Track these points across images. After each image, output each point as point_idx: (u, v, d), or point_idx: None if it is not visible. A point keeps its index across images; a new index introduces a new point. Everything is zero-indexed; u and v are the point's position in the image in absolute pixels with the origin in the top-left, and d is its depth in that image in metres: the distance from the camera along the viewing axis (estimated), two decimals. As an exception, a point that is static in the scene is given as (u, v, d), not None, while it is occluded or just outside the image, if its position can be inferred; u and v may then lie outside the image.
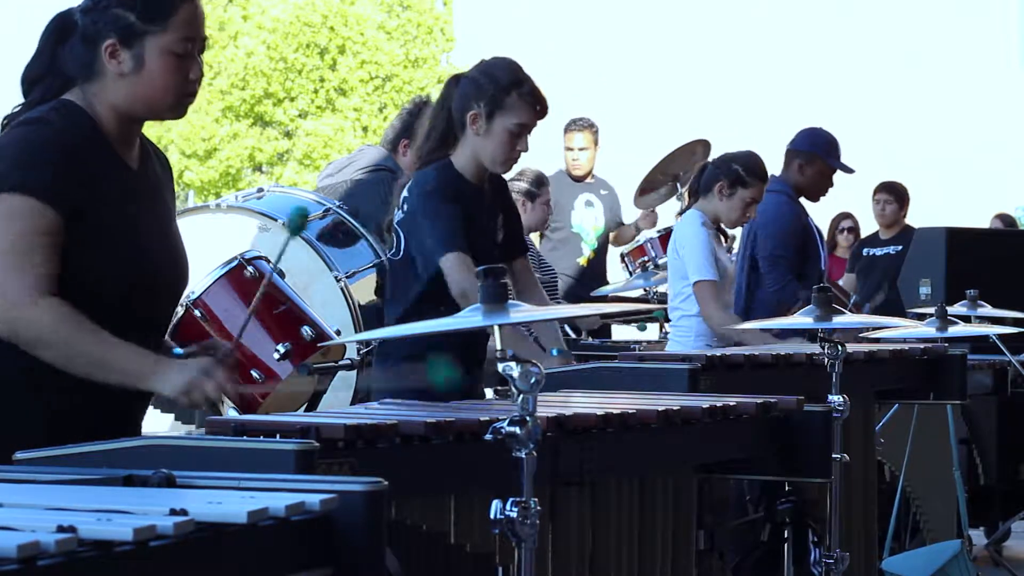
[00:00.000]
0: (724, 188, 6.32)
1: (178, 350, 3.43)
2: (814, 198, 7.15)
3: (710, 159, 7.02)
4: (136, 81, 3.18)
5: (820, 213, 7.96)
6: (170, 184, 3.43)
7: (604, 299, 8.44)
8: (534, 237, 8.35)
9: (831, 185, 7.15)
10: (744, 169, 6.34)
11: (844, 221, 12.62)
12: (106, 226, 3.16)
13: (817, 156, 7.05)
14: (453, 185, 4.63)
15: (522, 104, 4.62)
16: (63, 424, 3.11)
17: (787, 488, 4.59)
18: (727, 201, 6.32)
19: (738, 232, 7.50)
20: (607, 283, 9.06)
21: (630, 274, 8.67)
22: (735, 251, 7.88)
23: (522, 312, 2.83)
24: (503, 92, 4.62)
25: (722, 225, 6.49)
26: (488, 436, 2.72)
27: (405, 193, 4.69)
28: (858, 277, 10.72)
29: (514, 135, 4.62)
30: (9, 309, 3.06)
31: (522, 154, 4.70)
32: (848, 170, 7.12)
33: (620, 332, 9.43)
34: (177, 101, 3.23)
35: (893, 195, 10.75)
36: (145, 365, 3.11)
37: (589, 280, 8.95)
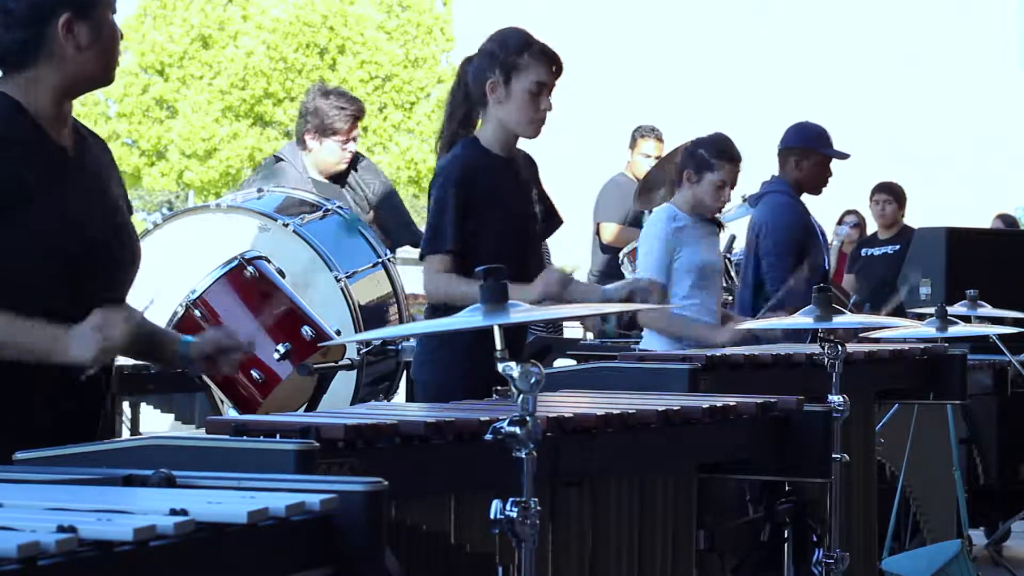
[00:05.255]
0: (691, 175, 6.11)
1: (188, 338, 3.37)
2: (816, 191, 7.10)
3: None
4: (94, 52, 3.15)
5: (824, 212, 7.94)
6: (114, 169, 3.35)
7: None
8: None
9: (830, 175, 7.10)
10: (708, 152, 6.11)
11: (848, 217, 12.59)
12: (41, 209, 3.10)
13: (811, 149, 7.02)
14: (475, 162, 4.68)
15: (536, 62, 4.69)
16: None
17: (787, 488, 4.59)
18: (696, 187, 6.09)
19: (740, 231, 7.48)
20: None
21: (630, 274, 8.68)
22: (737, 250, 7.87)
23: (522, 312, 2.83)
24: (515, 54, 4.69)
25: (702, 213, 6.19)
26: (488, 436, 2.72)
27: (434, 174, 4.77)
28: (857, 278, 10.72)
29: (534, 95, 4.68)
30: None
31: (547, 114, 4.74)
32: (843, 156, 7.07)
33: None
34: (115, 65, 3.23)
35: (892, 195, 10.75)
36: (48, 340, 3.03)
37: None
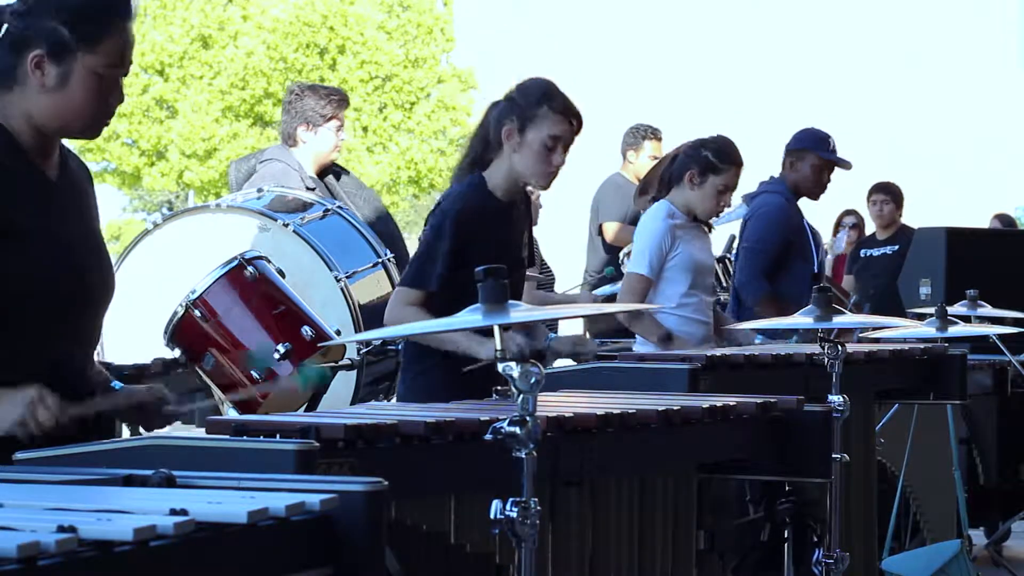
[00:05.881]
0: (695, 176, 5.97)
1: (117, 384, 3.31)
2: (812, 195, 7.07)
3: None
4: (56, 97, 3.09)
5: (823, 212, 7.93)
6: (92, 190, 3.32)
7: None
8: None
9: (828, 180, 7.07)
10: (714, 155, 5.99)
11: (847, 218, 12.58)
12: (29, 240, 3.06)
13: (806, 150, 7.00)
14: (477, 206, 4.70)
15: (554, 117, 4.66)
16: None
17: (787, 488, 4.59)
18: (699, 190, 5.97)
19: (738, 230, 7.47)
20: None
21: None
22: (734, 250, 7.87)
23: (522, 312, 2.84)
24: (534, 105, 4.68)
25: (699, 216, 6.11)
26: (488, 436, 2.73)
27: (435, 204, 4.81)
28: (856, 278, 10.73)
29: (548, 148, 4.66)
30: None
31: (560, 168, 4.74)
32: (844, 164, 7.05)
33: None
34: (93, 122, 3.15)
35: (890, 195, 10.76)
36: None
37: None
